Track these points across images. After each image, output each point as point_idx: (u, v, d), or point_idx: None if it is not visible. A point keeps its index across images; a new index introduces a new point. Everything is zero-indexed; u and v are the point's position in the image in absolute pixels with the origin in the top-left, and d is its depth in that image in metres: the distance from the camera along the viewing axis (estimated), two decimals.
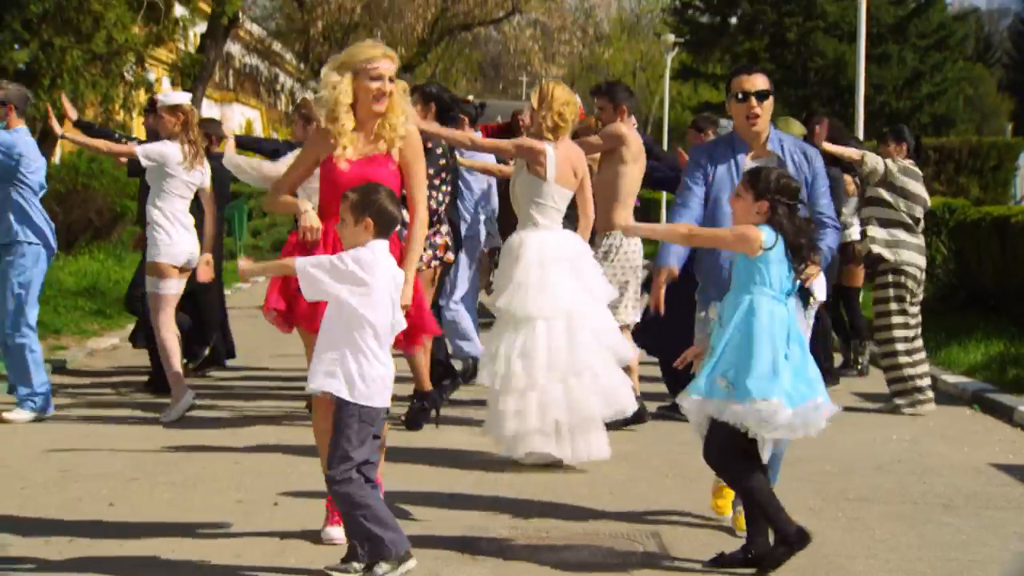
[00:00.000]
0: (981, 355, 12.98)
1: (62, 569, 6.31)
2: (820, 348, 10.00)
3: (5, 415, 10.11)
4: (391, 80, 6.57)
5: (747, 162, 6.87)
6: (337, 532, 6.60)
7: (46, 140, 14.54)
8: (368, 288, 5.85)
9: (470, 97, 19.51)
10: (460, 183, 10.94)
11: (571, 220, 9.07)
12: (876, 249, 10.87)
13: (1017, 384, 11.65)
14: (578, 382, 8.46)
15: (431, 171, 9.62)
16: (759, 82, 6.89)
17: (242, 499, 7.63)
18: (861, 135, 21.36)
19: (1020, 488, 8.34)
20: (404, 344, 6.72)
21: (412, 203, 6.74)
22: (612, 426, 9.51)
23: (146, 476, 8.30)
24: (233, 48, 48.48)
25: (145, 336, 11.78)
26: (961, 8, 56.25)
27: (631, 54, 65.86)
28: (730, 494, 7.04)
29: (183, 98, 10.58)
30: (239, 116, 49.34)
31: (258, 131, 50.39)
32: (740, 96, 6.89)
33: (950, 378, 12.35)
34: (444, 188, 10.00)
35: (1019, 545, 6.96)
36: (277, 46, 49.47)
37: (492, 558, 6.54)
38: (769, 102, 6.92)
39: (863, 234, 11.30)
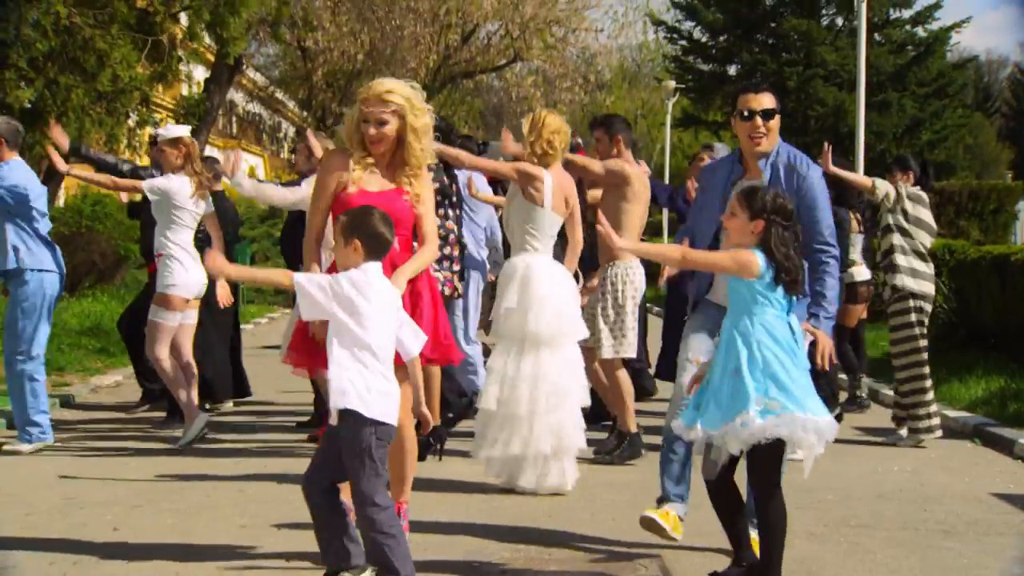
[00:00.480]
0: (982, 390, 12.99)
1: None
2: (823, 383, 9.99)
3: (6, 447, 10.15)
4: (381, 123, 6.60)
5: (738, 184, 6.76)
6: None
7: (51, 181, 14.60)
8: (361, 310, 5.88)
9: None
10: (465, 211, 10.94)
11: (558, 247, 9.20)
12: (902, 281, 10.87)
13: (1018, 418, 11.65)
14: (566, 411, 8.60)
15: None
16: (766, 100, 6.72)
17: (245, 524, 7.64)
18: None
19: (1019, 516, 8.34)
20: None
21: (422, 231, 6.80)
22: (610, 459, 9.61)
23: (150, 503, 8.32)
24: (236, 96, 48.59)
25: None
26: (960, 57, 56.19)
27: (632, 102, 65.96)
28: None
29: (183, 131, 10.69)
30: (243, 164, 49.41)
31: (261, 175, 50.52)
32: (746, 114, 6.74)
33: (951, 413, 12.34)
34: (446, 212, 10.08)
35: (1021, 569, 6.97)
36: (280, 94, 49.62)
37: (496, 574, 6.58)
38: (775, 121, 6.74)
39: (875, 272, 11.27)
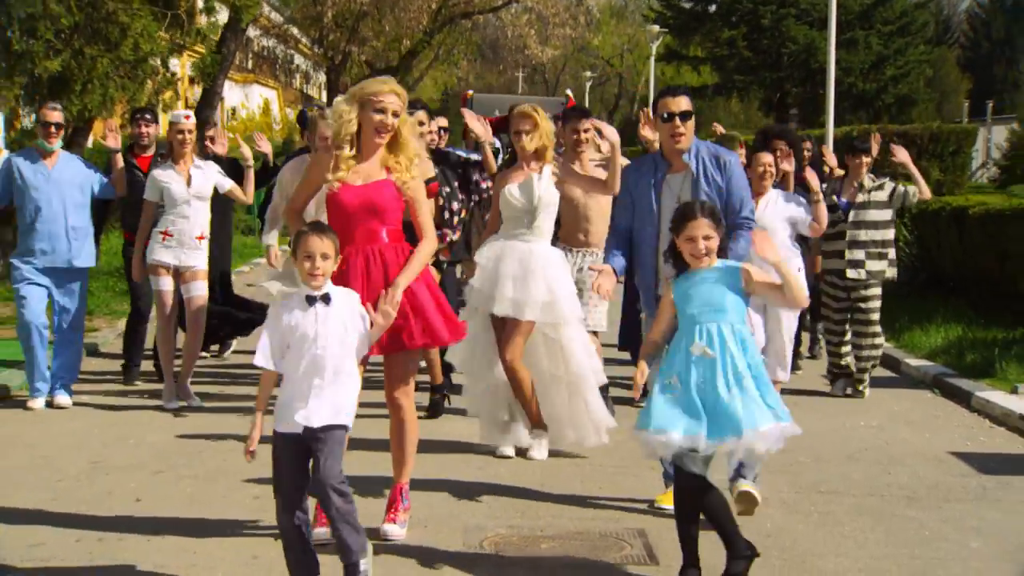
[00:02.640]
0: (941, 339, 12.88)
1: (90, 571, 6.24)
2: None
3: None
4: (395, 115, 6.41)
5: (668, 178, 6.88)
6: (394, 529, 6.67)
7: (76, 138, 14.45)
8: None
9: (469, 92, 19.38)
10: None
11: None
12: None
13: (974, 369, 11.55)
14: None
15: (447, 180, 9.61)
16: (683, 103, 6.83)
17: (259, 495, 7.51)
18: (831, 114, 21.17)
19: (976, 478, 8.25)
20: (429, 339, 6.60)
21: (420, 229, 6.60)
22: None
23: (171, 469, 8.22)
24: (251, 32, 48.15)
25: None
26: None
27: (619, 38, 65.53)
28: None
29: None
30: (258, 97, 49.12)
31: (275, 110, 50.18)
32: (665, 116, 6.84)
33: (912, 362, 12.25)
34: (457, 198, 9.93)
35: (976, 540, 6.87)
36: (293, 29, 49.20)
37: (491, 556, 6.47)
38: (691, 122, 6.84)
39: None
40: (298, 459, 5.71)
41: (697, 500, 5.88)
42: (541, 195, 8.45)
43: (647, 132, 9.17)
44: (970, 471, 8.44)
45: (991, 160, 50.85)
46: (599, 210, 9.52)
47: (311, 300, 5.69)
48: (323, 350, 5.66)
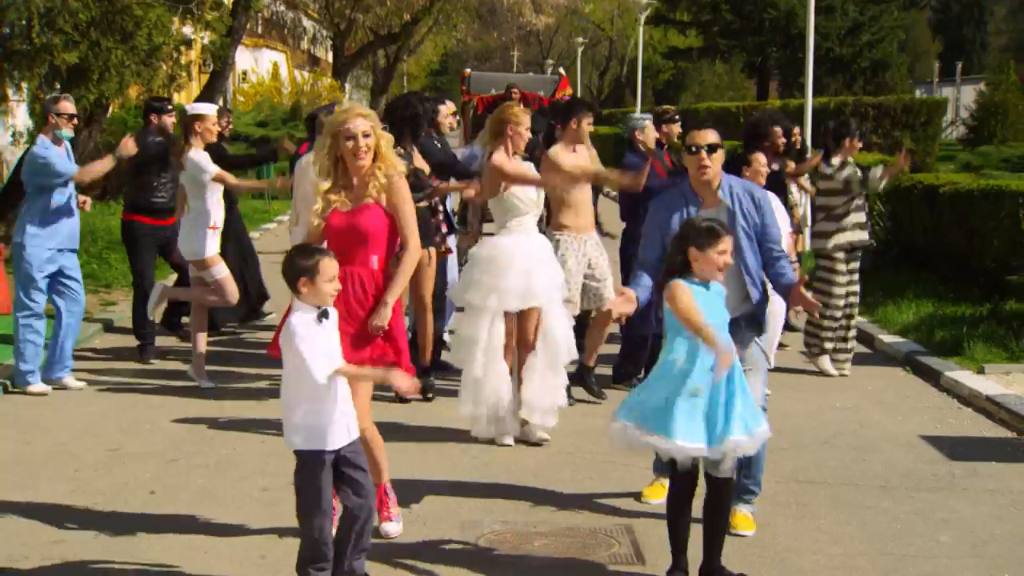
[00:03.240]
0: (913, 315, 12.81)
1: (106, 571, 6.20)
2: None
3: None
4: (367, 135, 6.26)
5: (702, 213, 6.42)
6: (392, 527, 6.62)
7: (91, 124, 14.33)
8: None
9: (467, 71, 19.25)
10: None
11: None
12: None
13: (943, 346, 11.49)
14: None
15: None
16: (710, 136, 6.48)
17: (267, 487, 7.47)
18: (810, 77, 20.92)
19: (945, 465, 8.21)
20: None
21: (404, 240, 6.50)
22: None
23: (184, 457, 8.17)
24: None
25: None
26: None
27: (609, 3, 65.04)
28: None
29: (209, 109, 10.36)
30: (267, 61, 48.78)
31: (284, 72, 49.82)
32: (693, 149, 6.47)
33: (886, 338, 12.19)
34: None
35: (945, 533, 6.84)
36: None
37: (486, 555, 6.43)
38: (719, 154, 6.49)
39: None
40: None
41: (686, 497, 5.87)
42: (541, 193, 8.64)
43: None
44: (939, 457, 8.40)
45: (960, 119, 50.73)
46: (584, 199, 9.51)
47: (322, 316, 5.59)
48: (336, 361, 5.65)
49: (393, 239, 6.43)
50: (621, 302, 6.19)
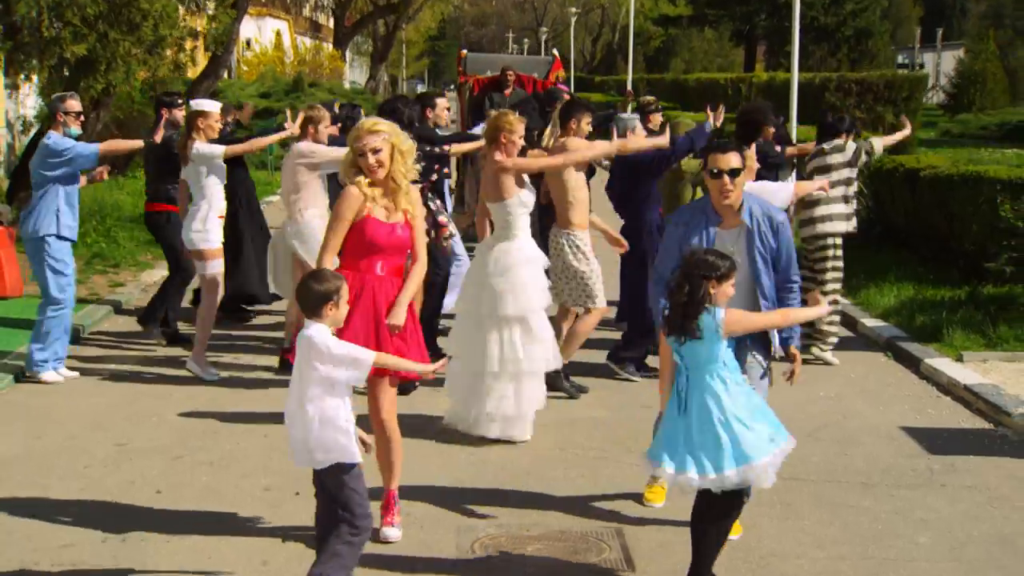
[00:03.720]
0: (894, 299, 12.76)
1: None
2: None
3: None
4: (376, 151, 6.30)
5: (720, 232, 6.37)
6: (393, 532, 6.58)
7: (97, 109, 14.18)
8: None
9: (464, 52, 19.01)
10: None
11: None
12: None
13: (923, 332, 11.45)
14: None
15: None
16: (733, 160, 6.30)
17: (268, 486, 7.43)
18: (796, 46, 20.63)
19: (924, 460, 8.17)
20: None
21: (415, 252, 6.52)
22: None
23: (189, 453, 8.13)
24: None
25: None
26: None
27: None
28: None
29: (213, 106, 10.28)
30: (270, 31, 48.42)
31: (286, 40, 49.46)
32: (715, 172, 6.30)
33: (868, 322, 12.15)
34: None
35: (924, 535, 6.82)
36: None
37: (482, 560, 6.40)
38: (741, 178, 6.33)
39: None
40: None
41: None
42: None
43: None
44: (919, 451, 8.37)
45: (940, 85, 50.55)
46: (585, 196, 9.46)
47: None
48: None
49: (404, 256, 6.58)
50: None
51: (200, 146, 9.94)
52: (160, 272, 14.16)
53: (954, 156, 15.70)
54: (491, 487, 7.52)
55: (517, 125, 8.34)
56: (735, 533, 6.67)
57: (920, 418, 9.21)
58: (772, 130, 10.72)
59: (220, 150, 9.98)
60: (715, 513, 5.83)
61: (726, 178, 6.25)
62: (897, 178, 15.01)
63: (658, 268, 6.44)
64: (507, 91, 16.49)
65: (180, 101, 11.31)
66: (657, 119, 11.93)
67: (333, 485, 5.52)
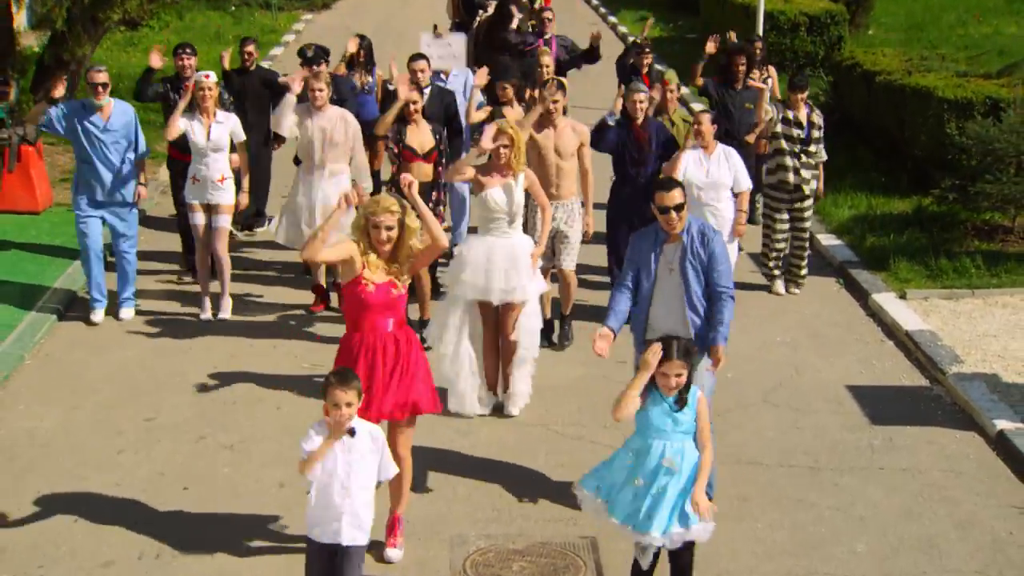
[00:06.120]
0: (848, 212, 12.65)
1: None
2: None
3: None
4: (389, 228, 6.30)
5: (665, 247, 6.79)
6: (395, 554, 6.69)
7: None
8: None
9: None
10: None
11: None
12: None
13: (873, 255, 11.43)
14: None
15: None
16: (676, 196, 6.64)
17: (284, 482, 7.48)
18: None
19: (867, 433, 8.26)
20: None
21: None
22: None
23: (211, 435, 8.17)
24: None
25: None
26: None
27: None
28: None
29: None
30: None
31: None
32: (662, 210, 6.66)
33: (823, 239, 12.08)
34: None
35: (862, 539, 6.97)
36: None
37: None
38: (684, 211, 6.70)
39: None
40: (326, 566, 5.72)
41: None
42: (519, 201, 8.33)
43: (618, 104, 9.78)
44: (863, 422, 8.43)
45: None
46: (569, 168, 9.39)
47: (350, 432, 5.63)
48: (348, 478, 5.62)
49: (404, 303, 6.57)
50: (601, 342, 6.54)
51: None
52: None
53: (910, 54, 15.23)
54: (479, 485, 7.58)
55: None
56: None
57: (865, 373, 9.27)
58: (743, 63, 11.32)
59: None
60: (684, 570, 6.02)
61: (672, 214, 6.64)
62: (855, 76, 14.66)
63: (621, 276, 6.98)
64: None
65: (188, 50, 10.97)
66: (647, 59, 12.13)
67: (353, 563, 5.66)
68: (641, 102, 9.61)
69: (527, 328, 8.37)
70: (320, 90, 9.77)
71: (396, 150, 9.44)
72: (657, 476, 5.77)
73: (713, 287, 6.75)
